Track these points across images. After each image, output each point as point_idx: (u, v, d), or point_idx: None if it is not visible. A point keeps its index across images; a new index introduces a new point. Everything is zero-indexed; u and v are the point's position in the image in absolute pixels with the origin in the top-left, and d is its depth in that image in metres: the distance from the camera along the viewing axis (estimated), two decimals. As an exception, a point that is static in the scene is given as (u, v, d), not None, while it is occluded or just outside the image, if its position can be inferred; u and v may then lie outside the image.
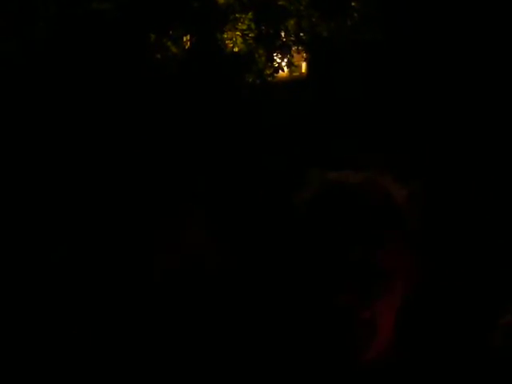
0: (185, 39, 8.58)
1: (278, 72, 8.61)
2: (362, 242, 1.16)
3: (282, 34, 8.49)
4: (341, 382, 1.21)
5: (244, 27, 8.46)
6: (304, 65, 8.93)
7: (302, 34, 8.39)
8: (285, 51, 8.53)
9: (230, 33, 8.47)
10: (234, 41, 8.47)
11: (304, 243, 1.20)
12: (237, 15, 8.40)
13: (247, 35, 8.47)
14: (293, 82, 8.61)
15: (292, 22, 8.33)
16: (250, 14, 8.26)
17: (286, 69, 8.69)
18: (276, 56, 8.60)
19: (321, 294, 1.17)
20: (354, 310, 1.15)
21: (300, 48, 8.58)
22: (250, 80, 8.53)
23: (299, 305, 1.21)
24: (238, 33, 8.45)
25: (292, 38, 8.43)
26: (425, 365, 1.23)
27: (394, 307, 1.20)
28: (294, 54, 8.63)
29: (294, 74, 8.78)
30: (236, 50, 8.53)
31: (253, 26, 8.40)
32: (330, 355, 1.19)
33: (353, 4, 8.28)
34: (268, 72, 8.62)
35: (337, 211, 1.19)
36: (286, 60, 8.59)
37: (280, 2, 8.42)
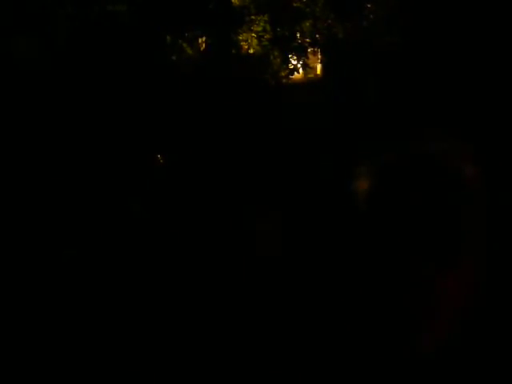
0: (200, 41, 8.57)
1: (293, 74, 8.60)
2: (440, 211, 1.15)
3: (298, 35, 8.48)
4: (395, 372, 1.20)
5: (259, 29, 8.46)
6: (319, 66, 8.92)
7: (317, 36, 8.38)
8: (300, 53, 8.52)
9: (245, 34, 8.47)
10: (250, 42, 8.47)
11: (380, 210, 1.18)
12: (252, 17, 8.39)
13: (262, 37, 8.46)
14: (308, 84, 8.61)
15: (307, 23, 8.32)
16: (265, 15, 8.25)
17: (301, 70, 8.68)
18: (291, 58, 8.59)
19: (398, 262, 1.15)
20: (432, 280, 1.13)
21: (315, 50, 8.57)
22: (266, 81, 8.52)
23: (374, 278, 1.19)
24: (253, 34, 8.45)
25: (307, 40, 8.42)
26: (489, 365, 1.21)
27: (464, 291, 1.17)
28: (310, 56, 8.62)
29: (309, 75, 8.77)
30: (251, 51, 8.53)
31: (268, 27, 8.40)
32: (390, 338, 1.17)
33: (368, 5, 8.27)
34: (283, 74, 8.62)
35: (415, 178, 1.18)
36: (301, 62, 8.58)
37: (295, 4, 8.42)
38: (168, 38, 8.14)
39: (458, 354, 1.19)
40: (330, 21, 8.21)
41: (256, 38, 8.45)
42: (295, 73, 8.67)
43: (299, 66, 8.60)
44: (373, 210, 1.18)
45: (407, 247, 1.13)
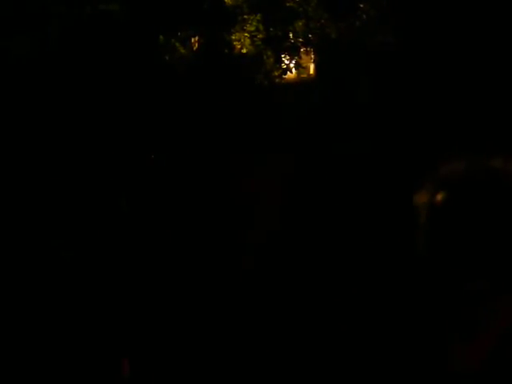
0: (193, 40, 8.57)
1: (286, 73, 8.60)
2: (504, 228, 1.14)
3: (291, 35, 8.48)
4: None
5: (252, 28, 8.45)
6: (312, 66, 8.92)
7: (310, 36, 8.38)
8: (293, 53, 8.52)
9: (238, 34, 8.46)
10: (242, 42, 8.46)
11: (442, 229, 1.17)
12: (245, 16, 8.39)
13: (255, 36, 8.46)
14: (301, 84, 8.60)
15: (300, 23, 8.32)
16: (258, 15, 8.25)
17: (294, 70, 8.68)
18: (284, 57, 8.59)
19: (454, 278, 1.14)
20: (485, 298, 1.13)
21: (308, 49, 8.57)
22: (259, 81, 8.52)
23: (428, 288, 1.19)
24: (246, 34, 8.44)
25: (300, 40, 8.42)
26: None
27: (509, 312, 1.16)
28: (303, 56, 8.61)
29: (302, 75, 8.76)
30: (244, 51, 8.52)
31: (261, 27, 8.39)
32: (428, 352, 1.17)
33: (361, 5, 8.28)
34: (276, 73, 8.61)
35: (482, 197, 1.17)
36: (293, 61, 8.58)
37: (288, 4, 8.42)
38: (161, 37, 8.13)
39: (499, 372, 1.19)
40: (322, 21, 8.22)
41: (249, 37, 8.45)
42: (288, 72, 8.67)
43: (292, 65, 8.60)
44: (437, 223, 1.16)
45: (468, 262, 1.12)
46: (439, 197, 1.20)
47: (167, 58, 8.35)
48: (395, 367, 1.24)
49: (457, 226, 1.16)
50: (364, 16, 8.06)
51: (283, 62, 8.57)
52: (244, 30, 8.46)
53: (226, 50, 8.35)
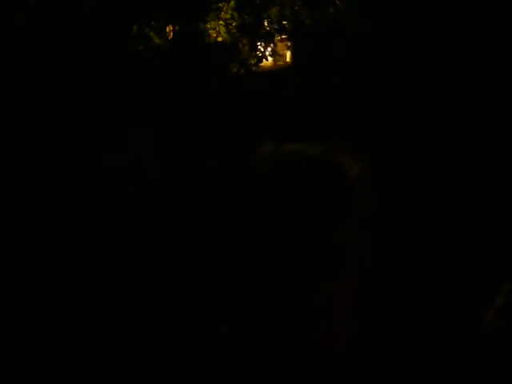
0: (167, 30, 8.53)
1: (261, 61, 8.57)
2: (315, 215, 1.15)
3: (265, 22, 8.44)
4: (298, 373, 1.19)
5: (227, 16, 8.42)
6: (288, 53, 8.88)
7: (284, 22, 8.35)
8: (268, 40, 8.49)
9: (213, 22, 8.42)
10: (218, 30, 8.42)
11: (259, 215, 1.18)
12: (219, 4, 8.35)
13: (230, 24, 8.42)
14: (277, 71, 8.58)
15: (275, 10, 8.29)
16: (232, 2, 8.21)
17: (270, 58, 8.65)
18: (260, 45, 8.56)
19: (276, 268, 1.15)
20: (308, 288, 1.13)
21: (283, 37, 8.54)
22: (235, 70, 8.49)
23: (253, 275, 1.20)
24: (221, 22, 8.41)
25: (275, 27, 8.38)
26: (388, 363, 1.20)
27: (350, 294, 1.17)
28: (278, 43, 8.58)
29: (279, 62, 8.74)
30: (220, 39, 8.49)
31: (235, 15, 8.36)
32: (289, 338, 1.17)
33: (335, -9, 8.24)
34: (252, 62, 8.58)
35: (292, 183, 1.18)
36: (269, 49, 8.55)
37: (262, -10, 8.39)
38: (134, 27, 8.09)
39: (357, 350, 1.20)
40: (296, 7, 8.18)
41: (224, 25, 8.41)
42: (264, 60, 8.63)
43: (267, 53, 8.57)
44: (258, 204, 1.17)
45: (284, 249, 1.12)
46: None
47: (142, 47, 8.31)
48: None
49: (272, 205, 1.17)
50: (338, 2, 8.03)
51: (259, 49, 8.54)
52: (219, 18, 8.42)
53: (201, 39, 8.32)
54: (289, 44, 8.77)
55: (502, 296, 1.23)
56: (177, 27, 8.49)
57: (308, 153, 1.15)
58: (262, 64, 8.63)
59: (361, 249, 1.04)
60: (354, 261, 1.01)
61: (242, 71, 8.46)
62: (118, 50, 7.56)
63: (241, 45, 8.45)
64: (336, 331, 1.01)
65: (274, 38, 8.41)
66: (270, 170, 1.11)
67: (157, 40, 8.38)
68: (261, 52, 8.52)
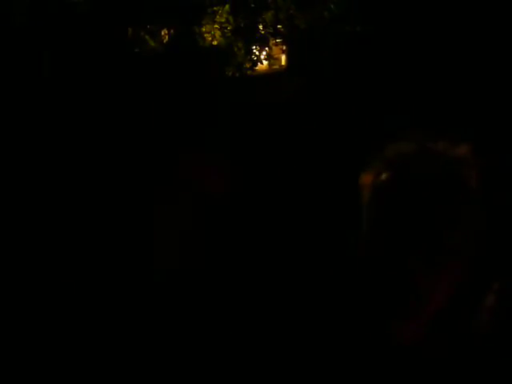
0: (163, 33, 8.55)
1: (256, 65, 8.59)
2: (428, 217, 1.15)
3: (260, 26, 8.46)
4: (370, 364, 1.20)
5: (223, 20, 8.43)
6: (283, 57, 8.91)
7: (279, 26, 8.37)
8: (263, 44, 8.50)
9: (208, 26, 8.44)
10: (213, 34, 8.44)
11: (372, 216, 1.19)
12: (215, 8, 8.36)
13: (226, 28, 8.44)
14: (273, 75, 8.60)
15: (270, 14, 8.31)
16: (227, 6, 8.23)
17: (265, 62, 8.67)
18: (255, 49, 8.57)
19: (394, 257, 1.16)
20: (415, 275, 1.14)
21: (278, 40, 8.56)
22: (230, 73, 8.50)
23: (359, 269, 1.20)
24: (216, 26, 8.42)
25: (270, 31, 8.40)
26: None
27: (447, 289, 1.17)
28: (273, 47, 8.60)
29: (274, 66, 8.76)
30: (215, 43, 8.50)
31: (231, 18, 8.37)
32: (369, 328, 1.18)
33: (330, -4, 8.26)
34: (247, 65, 8.59)
35: (440, 183, 1.18)
36: (264, 53, 8.56)
37: (257, -6, 8.40)
38: (130, 30, 8.10)
39: (434, 348, 1.20)
40: (291, 11, 8.20)
41: (219, 29, 8.43)
42: (260, 64, 8.65)
43: (262, 57, 8.59)
44: (378, 203, 1.17)
45: (402, 241, 1.13)
46: (383, 177, 1.20)
47: (137, 50, 8.33)
48: (336, 344, 1.25)
49: (397, 207, 1.17)
50: (332, 6, 8.05)
51: (254, 53, 8.55)
52: (214, 22, 8.43)
53: (196, 43, 8.33)
54: (284, 48, 8.79)
55: (493, 295, 1.23)
56: (172, 31, 8.51)
57: (455, 153, 1.16)
58: (257, 68, 8.64)
59: (467, 244, 1.07)
60: (459, 252, 1.04)
61: (237, 75, 8.48)
62: (113, 52, 7.57)
63: (236, 48, 8.47)
64: (422, 320, 1.02)
65: (268, 41, 8.43)
66: (417, 169, 1.12)
67: (152, 43, 8.39)
68: (256, 56, 8.54)
